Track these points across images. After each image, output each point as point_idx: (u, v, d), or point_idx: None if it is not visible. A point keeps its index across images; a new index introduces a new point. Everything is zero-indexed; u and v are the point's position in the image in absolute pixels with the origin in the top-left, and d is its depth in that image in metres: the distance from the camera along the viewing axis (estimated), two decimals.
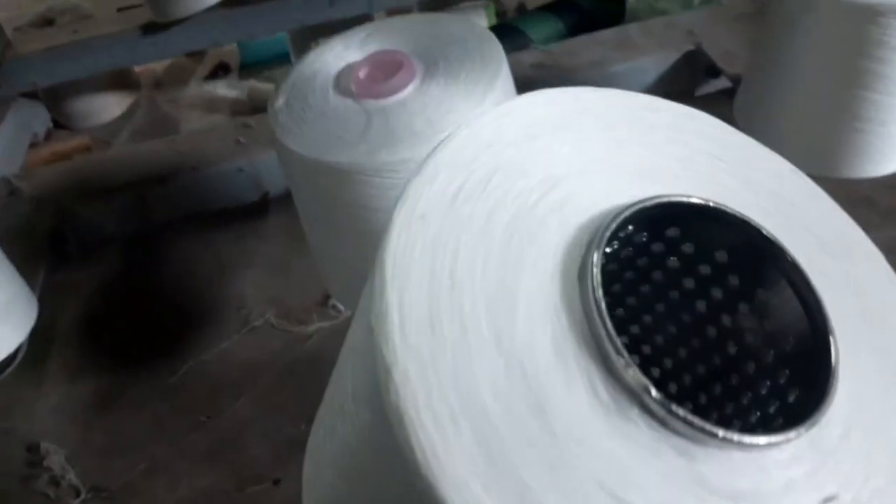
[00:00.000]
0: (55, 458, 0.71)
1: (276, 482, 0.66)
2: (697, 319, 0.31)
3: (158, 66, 1.34)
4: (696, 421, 0.21)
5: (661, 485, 0.21)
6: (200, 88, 1.28)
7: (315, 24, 1.08)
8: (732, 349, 0.29)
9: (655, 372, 0.33)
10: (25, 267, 0.62)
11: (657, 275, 0.31)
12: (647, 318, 0.33)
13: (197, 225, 0.84)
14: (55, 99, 1.19)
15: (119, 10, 1.18)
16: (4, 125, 1.04)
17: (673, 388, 0.32)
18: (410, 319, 0.21)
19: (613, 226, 0.24)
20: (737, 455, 0.22)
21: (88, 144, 1.17)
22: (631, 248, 0.30)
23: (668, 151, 0.28)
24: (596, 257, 0.23)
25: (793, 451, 0.23)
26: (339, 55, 0.52)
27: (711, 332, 0.30)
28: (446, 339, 0.21)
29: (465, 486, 0.19)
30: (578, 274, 0.23)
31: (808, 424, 0.22)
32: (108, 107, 1.24)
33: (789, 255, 0.26)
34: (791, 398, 0.25)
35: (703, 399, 0.30)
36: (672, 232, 0.28)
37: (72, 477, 0.69)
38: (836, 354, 0.24)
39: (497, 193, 0.25)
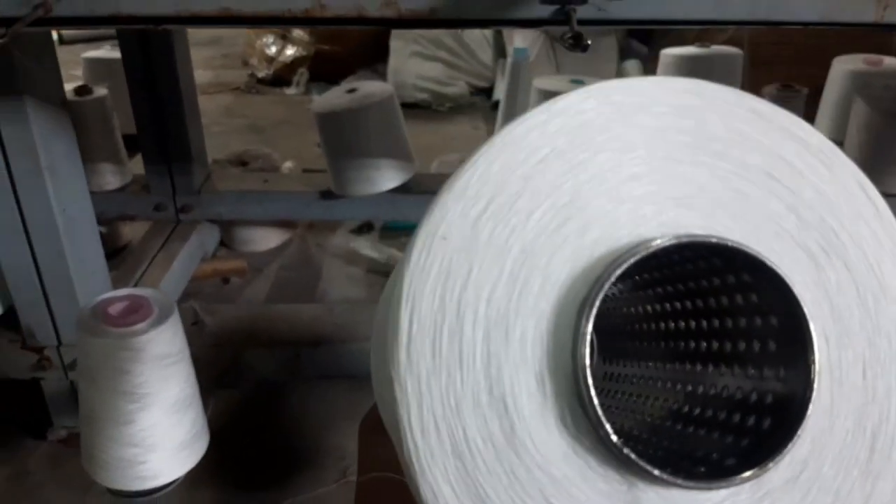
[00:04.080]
0: None
1: None
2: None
3: None
4: (638, 460, 0.24)
5: (598, 503, 0.25)
6: (345, 240, 1.48)
7: None
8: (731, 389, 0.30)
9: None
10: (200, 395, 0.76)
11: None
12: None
13: (332, 382, 0.98)
14: (227, 223, 1.41)
15: (304, 170, 1.41)
16: (189, 243, 1.24)
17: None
18: (416, 340, 0.25)
19: (609, 281, 0.24)
20: (675, 490, 0.25)
21: (245, 269, 1.36)
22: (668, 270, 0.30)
23: (718, 167, 0.27)
24: (586, 319, 0.24)
25: (731, 491, 0.26)
26: None
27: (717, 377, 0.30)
28: (444, 360, 0.25)
29: (438, 487, 0.24)
30: (577, 310, 0.25)
31: (752, 473, 0.24)
32: (267, 238, 1.45)
33: (811, 334, 0.25)
34: (763, 431, 0.26)
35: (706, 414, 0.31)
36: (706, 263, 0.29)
37: None
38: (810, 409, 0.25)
39: (520, 216, 0.26)
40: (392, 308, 0.25)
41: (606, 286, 0.24)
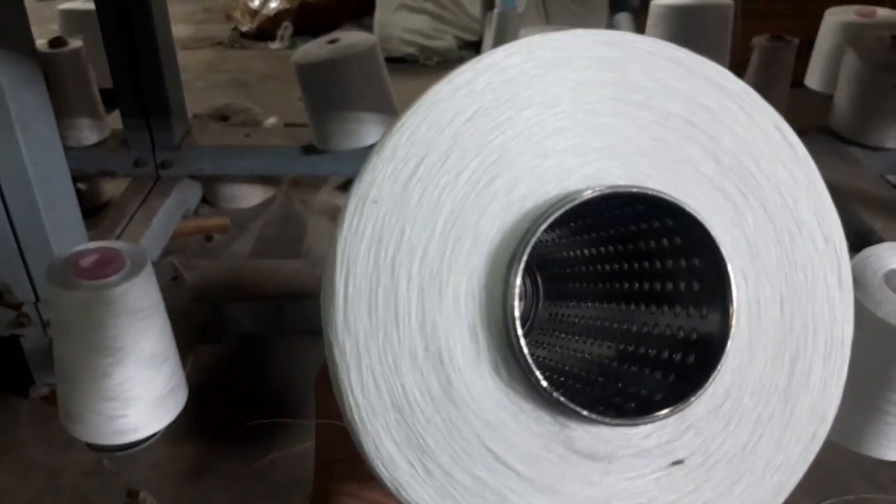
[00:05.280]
0: None
1: None
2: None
3: None
4: (567, 402, 0.25)
5: (533, 444, 0.26)
6: (330, 197, 1.46)
7: None
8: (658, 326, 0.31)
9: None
10: (179, 350, 0.76)
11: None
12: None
13: (315, 337, 0.97)
14: (209, 180, 1.39)
15: (286, 125, 1.38)
16: (169, 199, 1.22)
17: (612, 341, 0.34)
18: (353, 302, 0.26)
19: (535, 236, 0.25)
20: (604, 427, 0.27)
21: (227, 225, 1.34)
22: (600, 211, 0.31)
23: (639, 116, 0.28)
24: (514, 273, 0.25)
25: (657, 425, 0.27)
26: None
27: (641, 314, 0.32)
28: (380, 320, 0.25)
29: (380, 441, 0.26)
30: (507, 264, 0.26)
31: (674, 409, 0.26)
32: (250, 195, 1.43)
33: (729, 275, 0.26)
34: (688, 366, 0.28)
35: (628, 352, 0.33)
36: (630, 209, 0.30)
37: None
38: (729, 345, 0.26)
39: (450, 175, 0.26)
40: (327, 272, 0.26)
41: (533, 240, 0.25)
